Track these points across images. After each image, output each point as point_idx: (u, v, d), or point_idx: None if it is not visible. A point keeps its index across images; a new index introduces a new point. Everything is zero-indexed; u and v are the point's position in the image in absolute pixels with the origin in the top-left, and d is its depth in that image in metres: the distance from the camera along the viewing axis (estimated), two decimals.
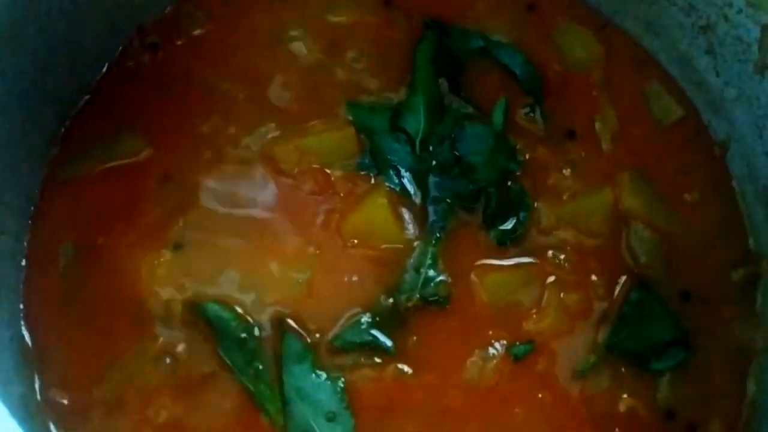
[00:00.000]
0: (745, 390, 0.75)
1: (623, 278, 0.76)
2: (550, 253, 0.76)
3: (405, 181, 0.76)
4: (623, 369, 0.74)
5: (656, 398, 0.74)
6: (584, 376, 0.73)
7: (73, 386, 0.71)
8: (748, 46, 0.74)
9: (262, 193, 0.76)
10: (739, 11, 0.73)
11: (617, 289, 0.76)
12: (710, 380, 0.75)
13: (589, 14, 0.83)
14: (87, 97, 0.79)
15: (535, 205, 0.77)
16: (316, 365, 0.71)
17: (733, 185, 0.80)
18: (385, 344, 0.72)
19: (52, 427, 0.70)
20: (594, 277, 0.76)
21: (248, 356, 0.71)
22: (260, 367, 0.71)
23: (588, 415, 0.72)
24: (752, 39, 0.73)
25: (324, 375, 0.71)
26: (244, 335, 0.72)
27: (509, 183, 0.77)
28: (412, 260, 0.74)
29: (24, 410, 0.68)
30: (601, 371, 0.73)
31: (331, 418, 0.70)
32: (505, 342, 0.73)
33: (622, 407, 0.73)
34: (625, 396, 0.73)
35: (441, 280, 0.74)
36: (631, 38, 0.83)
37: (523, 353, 0.73)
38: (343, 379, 0.71)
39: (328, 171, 0.76)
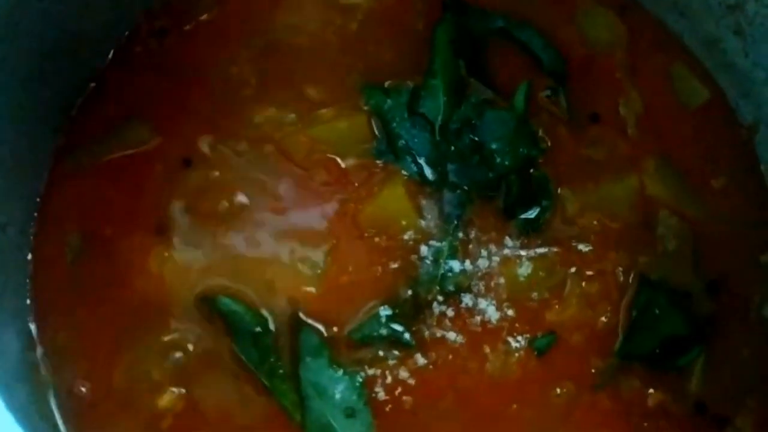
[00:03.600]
0: None
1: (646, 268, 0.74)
2: (573, 242, 0.74)
3: (423, 168, 0.74)
4: (647, 366, 0.72)
5: (685, 392, 0.72)
6: (604, 382, 0.71)
7: (83, 381, 0.70)
8: None
9: (275, 183, 0.74)
10: None
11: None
12: (740, 371, 0.73)
13: None
14: (93, 84, 0.77)
15: (559, 192, 0.75)
16: (333, 360, 0.70)
17: (761, 170, 0.78)
18: (405, 337, 0.70)
19: (60, 422, 0.69)
20: (618, 268, 0.74)
21: (263, 351, 0.70)
22: (276, 361, 0.70)
23: (616, 409, 0.71)
24: None
25: (342, 370, 0.69)
26: (258, 329, 0.70)
27: (531, 170, 0.75)
28: (431, 251, 0.72)
29: (30, 408, 0.66)
30: (624, 371, 0.72)
31: (349, 414, 0.68)
32: (527, 334, 0.72)
33: (651, 402, 0.71)
34: (652, 391, 0.71)
35: (461, 271, 0.72)
36: (656, 19, 0.80)
37: (546, 345, 0.71)
38: (362, 374, 0.69)
39: (341, 160, 0.74)
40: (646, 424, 0.71)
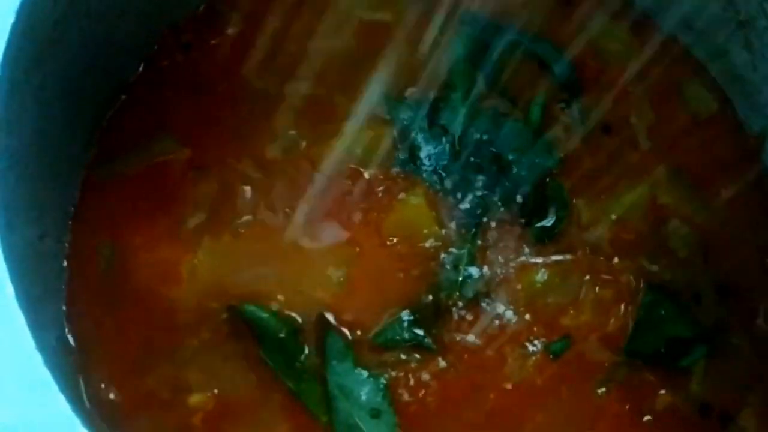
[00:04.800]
0: None
1: (657, 274, 0.76)
2: (587, 249, 0.76)
3: (443, 177, 0.77)
4: (654, 367, 0.74)
5: (691, 393, 0.74)
6: (610, 379, 0.73)
7: (117, 386, 0.72)
8: None
9: (299, 193, 0.76)
10: None
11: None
12: (743, 371, 0.75)
13: (625, 8, 0.82)
14: (123, 97, 0.79)
15: (574, 201, 0.77)
16: (358, 363, 0.72)
17: None
18: (427, 341, 0.72)
19: (97, 427, 0.71)
20: (631, 274, 0.76)
21: (289, 356, 0.72)
22: (301, 366, 0.72)
23: (627, 411, 0.73)
24: None
25: (366, 372, 0.71)
26: (283, 335, 0.72)
27: (547, 180, 0.77)
28: (451, 258, 0.75)
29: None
30: (632, 372, 0.74)
31: (375, 415, 0.70)
32: (543, 338, 0.74)
33: (659, 403, 0.73)
34: (662, 392, 0.73)
35: (480, 277, 0.74)
36: (666, 32, 0.82)
37: (561, 350, 0.73)
38: (385, 376, 0.71)
39: (364, 170, 0.77)
40: (655, 425, 0.72)
